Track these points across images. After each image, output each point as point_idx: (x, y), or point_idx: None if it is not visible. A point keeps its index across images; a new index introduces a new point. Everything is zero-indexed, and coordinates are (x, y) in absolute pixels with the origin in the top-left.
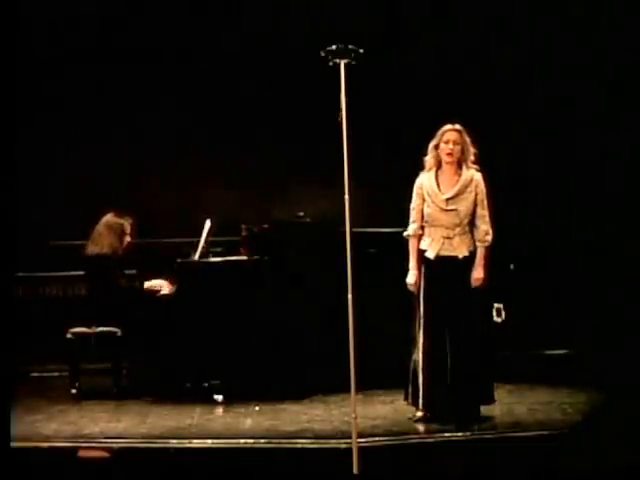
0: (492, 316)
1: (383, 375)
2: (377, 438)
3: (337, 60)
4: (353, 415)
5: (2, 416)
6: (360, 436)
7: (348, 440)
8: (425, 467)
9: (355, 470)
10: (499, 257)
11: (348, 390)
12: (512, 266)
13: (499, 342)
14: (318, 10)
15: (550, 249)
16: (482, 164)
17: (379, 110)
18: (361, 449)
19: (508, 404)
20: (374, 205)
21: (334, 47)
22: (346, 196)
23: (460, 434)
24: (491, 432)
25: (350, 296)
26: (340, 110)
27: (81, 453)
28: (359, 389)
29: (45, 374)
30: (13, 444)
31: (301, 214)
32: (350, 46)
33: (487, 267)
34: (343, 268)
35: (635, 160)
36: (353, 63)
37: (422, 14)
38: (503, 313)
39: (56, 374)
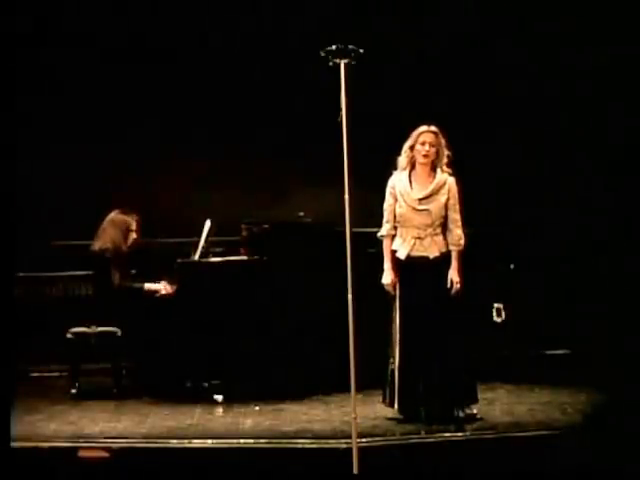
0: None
1: (381, 375)
2: (377, 438)
3: (337, 60)
4: (353, 415)
5: (2, 416)
6: (360, 436)
7: (348, 440)
8: (425, 467)
9: (355, 470)
10: (499, 257)
11: (348, 390)
12: (512, 266)
13: (499, 342)
14: (318, 10)
15: (550, 249)
16: (481, 164)
17: (379, 109)
18: (361, 449)
19: (508, 404)
20: (374, 205)
21: (334, 47)
22: (346, 196)
23: (460, 434)
24: (491, 432)
25: (350, 296)
26: (340, 110)
27: (81, 453)
28: (359, 389)
29: (45, 374)
30: (13, 444)
31: (301, 214)
32: (350, 46)
33: (461, 270)
34: (343, 268)
35: (635, 158)
36: (353, 63)
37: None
38: (503, 313)
39: (56, 374)
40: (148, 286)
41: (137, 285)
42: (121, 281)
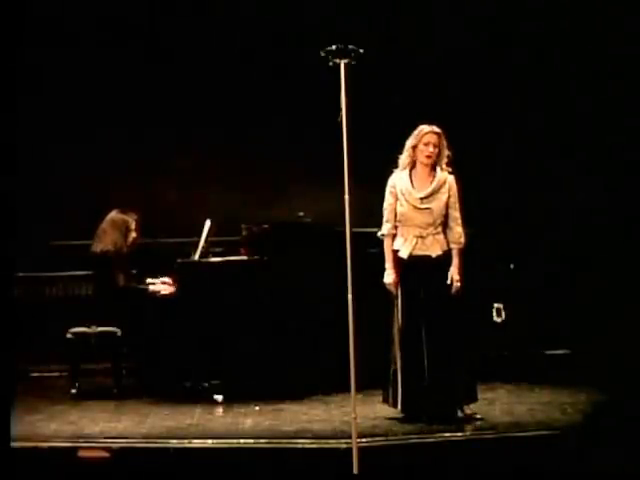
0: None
1: (383, 375)
2: (377, 438)
3: (337, 60)
4: (353, 415)
5: (2, 416)
6: (360, 436)
7: (348, 440)
8: (425, 467)
9: (355, 470)
10: (499, 257)
11: (348, 390)
12: (512, 266)
13: (499, 342)
14: (318, 9)
15: (550, 249)
16: (481, 164)
17: (379, 110)
18: (361, 449)
19: (508, 404)
20: (374, 205)
21: (334, 47)
22: (346, 196)
23: (460, 434)
24: (491, 432)
25: (350, 296)
26: (340, 110)
27: (81, 453)
28: (359, 389)
29: (45, 374)
30: (13, 444)
31: (301, 214)
32: (350, 46)
33: (462, 268)
34: (343, 268)
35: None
36: (353, 63)
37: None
38: (503, 313)
39: (56, 374)
40: (152, 288)
41: (141, 286)
42: (125, 282)
